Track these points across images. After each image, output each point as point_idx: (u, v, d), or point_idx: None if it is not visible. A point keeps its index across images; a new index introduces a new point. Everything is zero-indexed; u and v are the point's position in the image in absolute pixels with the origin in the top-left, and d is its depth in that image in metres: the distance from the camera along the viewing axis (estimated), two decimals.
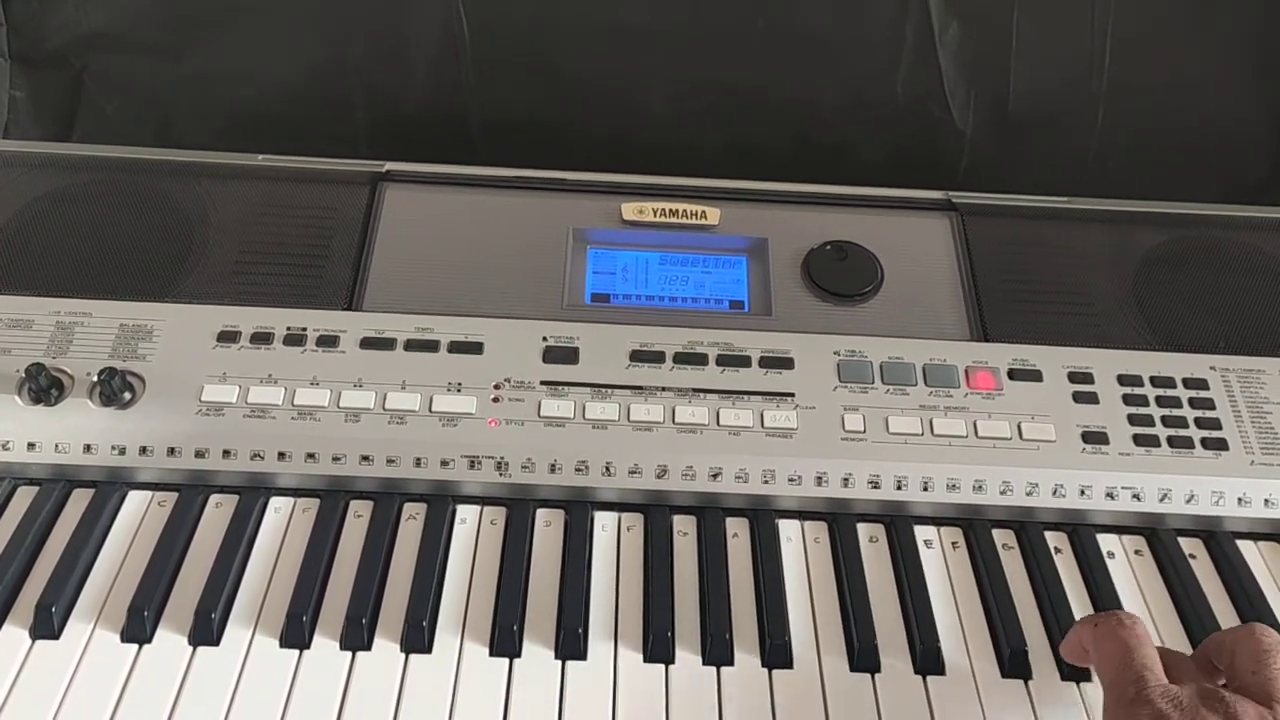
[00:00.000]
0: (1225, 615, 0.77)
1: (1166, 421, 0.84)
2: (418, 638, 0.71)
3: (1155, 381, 0.86)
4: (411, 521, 0.80)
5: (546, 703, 0.69)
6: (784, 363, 0.86)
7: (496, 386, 0.83)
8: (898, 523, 0.81)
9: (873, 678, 0.72)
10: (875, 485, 0.81)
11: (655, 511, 0.81)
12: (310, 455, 0.80)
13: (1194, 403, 0.85)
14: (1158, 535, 0.82)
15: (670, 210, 0.96)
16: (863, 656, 0.72)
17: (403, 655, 0.71)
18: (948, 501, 0.81)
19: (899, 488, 0.81)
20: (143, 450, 0.80)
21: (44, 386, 0.80)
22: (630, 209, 0.96)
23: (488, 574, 0.76)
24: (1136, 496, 0.81)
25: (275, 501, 0.80)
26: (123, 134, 1.12)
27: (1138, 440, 0.83)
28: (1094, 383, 0.86)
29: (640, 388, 0.84)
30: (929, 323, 0.90)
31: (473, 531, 0.79)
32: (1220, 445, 0.83)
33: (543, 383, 0.84)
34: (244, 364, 0.83)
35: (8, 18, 1.11)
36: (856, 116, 1.14)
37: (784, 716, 0.69)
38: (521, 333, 0.87)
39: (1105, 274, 0.94)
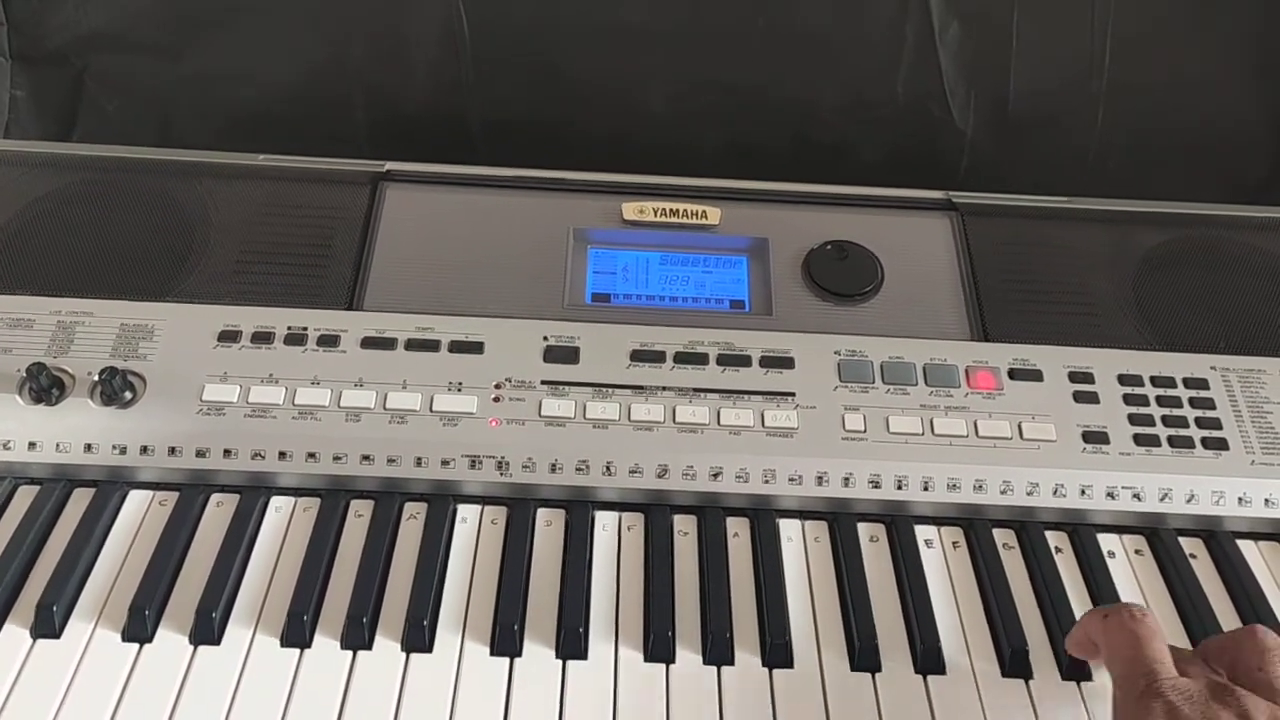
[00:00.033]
0: (1225, 615, 0.77)
1: (1167, 421, 0.84)
2: (418, 637, 0.71)
3: (1156, 381, 0.86)
4: (412, 521, 0.80)
5: (547, 702, 0.69)
6: (784, 362, 0.86)
7: (497, 386, 0.83)
8: (898, 522, 0.81)
9: (873, 677, 0.72)
10: (876, 485, 0.81)
11: (656, 511, 0.81)
12: (311, 455, 0.80)
13: (1194, 402, 0.85)
14: (1158, 535, 0.82)
15: (671, 210, 0.96)
16: (863, 656, 0.72)
17: (403, 654, 0.71)
18: (948, 501, 0.81)
19: (899, 487, 0.81)
20: (144, 450, 0.80)
21: (45, 386, 0.80)
22: (631, 209, 0.96)
23: (488, 573, 0.76)
24: (1137, 496, 0.81)
25: (276, 501, 0.80)
26: (123, 134, 1.12)
27: (1138, 440, 0.83)
28: (1094, 382, 0.86)
29: (641, 387, 0.84)
30: (929, 322, 0.91)
31: (473, 531, 0.79)
32: (1221, 445, 0.83)
33: (543, 382, 0.84)
34: (245, 363, 0.83)
35: (8, 17, 1.11)
36: (857, 116, 1.14)
37: (784, 716, 0.69)
38: (522, 332, 0.87)
39: (1106, 274, 0.94)
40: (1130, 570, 0.80)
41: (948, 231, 0.97)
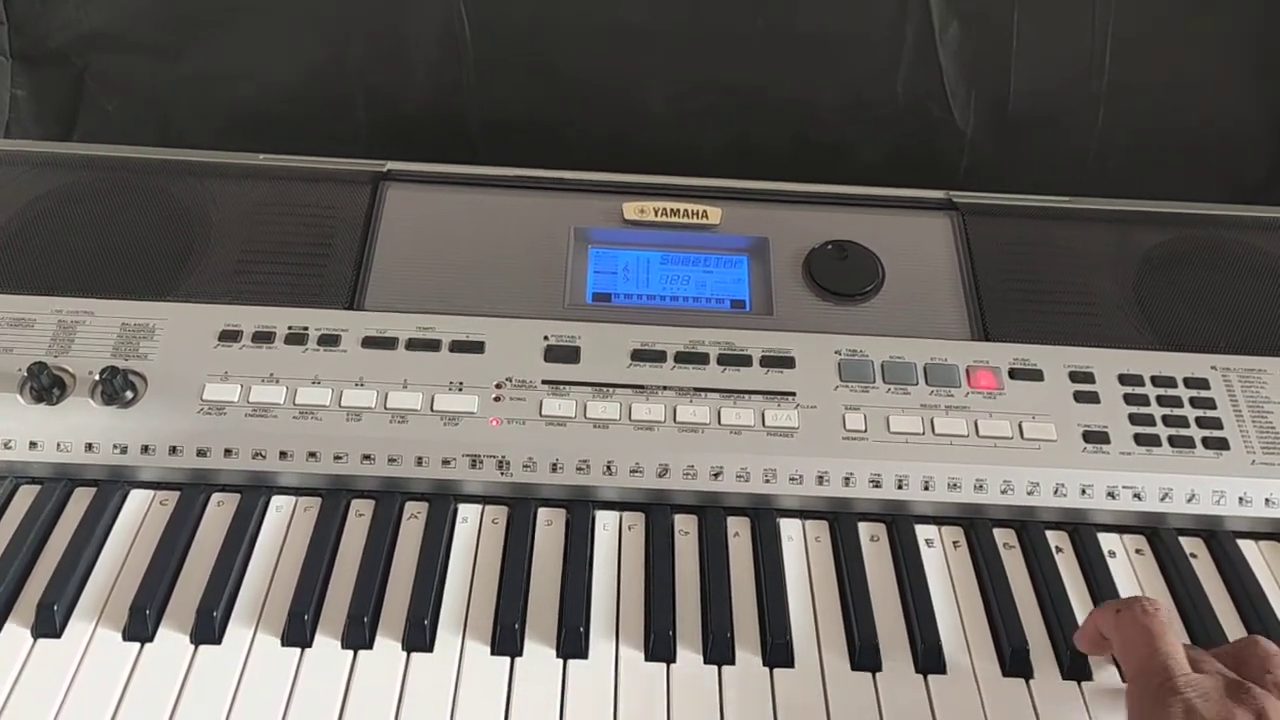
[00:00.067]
0: (1226, 615, 0.77)
1: (1167, 421, 0.84)
2: (419, 636, 0.71)
3: (1156, 381, 0.86)
4: (413, 520, 0.80)
5: (548, 701, 0.69)
6: (785, 362, 0.86)
7: (498, 386, 0.83)
8: (899, 522, 0.81)
9: (874, 676, 0.72)
10: (876, 484, 0.81)
11: (657, 510, 0.81)
12: (312, 454, 0.80)
13: (1195, 402, 0.85)
14: (1159, 534, 0.82)
15: (671, 210, 0.96)
16: (864, 655, 0.72)
17: (404, 654, 0.71)
18: (949, 501, 0.81)
19: (900, 487, 0.81)
20: (144, 449, 0.80)
21: (46, 385, 0.80)
22: (632, 208, 0.96)
23: (489, 573, 0.76)
24: (1137, 496, 0.81)
25: (277, 500, 0.80)
26: (124, 133, 1.12)
27: (1139, 440, 0.83)
28: (1095, 382, 0.86)
29: (641, 387, 0.84)
30: (930, 322, 0.91)
31: (474, 530, 0.80)
32: (1221, 445, 0.83)
33: (544, 382, 0.84)
34: (246, 363, 0.83)
35: (9, 17, 1.11)
36: (857, 116, 1.14)
37: (785, 715, 0.69)
38: (523, 332, 0.87)
39: (1106, 273, 0.94)
40: (1131, 570, 0.80)
41: (948, 231, 0.97)
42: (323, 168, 0.98)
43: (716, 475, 0.81)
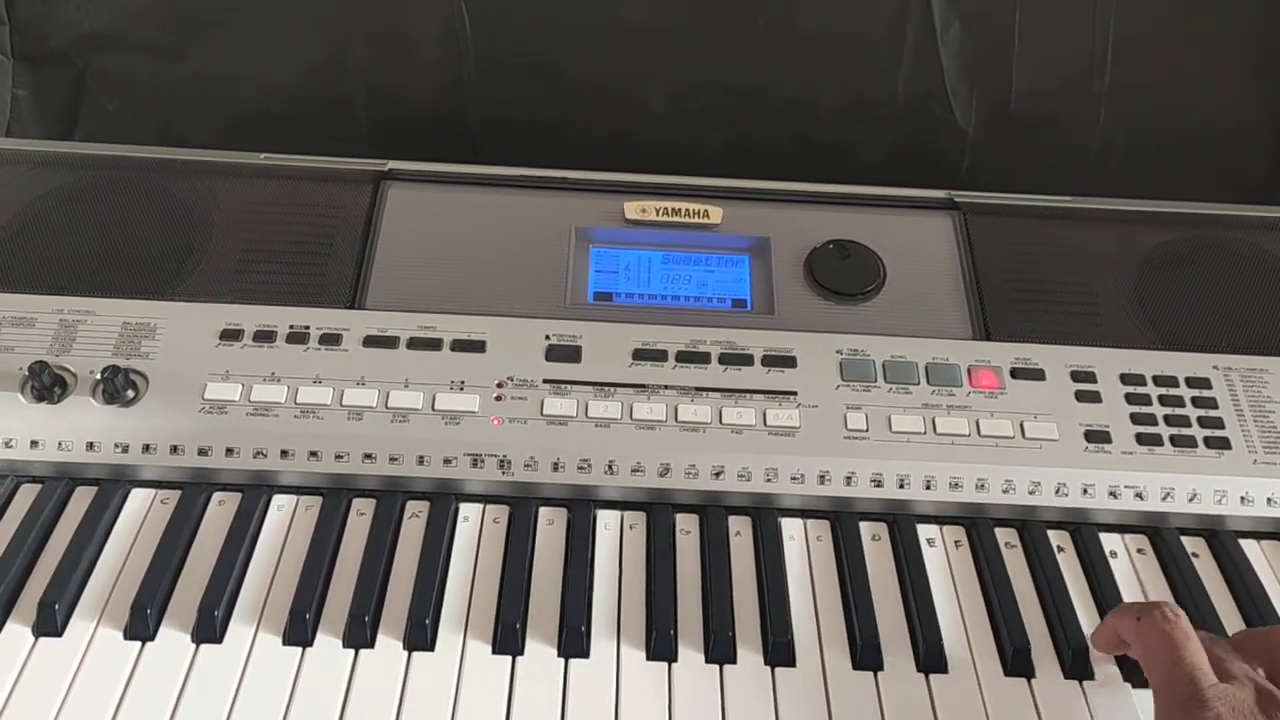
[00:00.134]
0: (1228, 614, 0.77)
1: (1169, 420, 0.84)
2: (420, 635, 0.71)
3: (1158, 380, 0.86)
4: (414, 519, 0.80)
5: (549, 701, 0.69)
6: (786, 361, 0.86)
7: (499, 385, 0.83)
8: (900, 521, 0.81)
9: (875, 676, 0.72)
10: (878, 484, 0.81)
11: (658, 510, 0.81)
12: (313, 453, 0.80)
13: (1197, 402, 0.85)
14: (1160, 534, 0.82)
15: (673, 209, 0.96)
16: (865, 654, 0.72)
17: (405, 653, 0.71)
18: (950, 500, 0.81)
19: (901, 486, 0.81)
20: (145, 448, 0.80)
21: (47, 384, 0.80)
22: (633, 208, 0.96)
23: (490, 572, 0.76)
24: (1139, 495, 0.81)
25: (278, 499, 0.80)
26: (125, 133, 1.12)
27: (1140, 439, 0.83)
28: (1096, 382, 0.86)
29: (643, 386, 0.84)
30: (931, 322, 0.90)
31: (475, 530, 0.79)
32: (1223, 444, 0.83)
33: (545, 381, 0.84)
34: (247, 362, 0.83)
35: (10, 17, 1.11)
36: (857, 116, 1.14)
37: (786, 714, 0.69)
38: (524, 331, 0.87)
39: (1108, 273, 0.94)
40: (1132, 569, 0.80)
41: (950, 231, 0.97)
42: (324, 167, 0.98)
43: (718, 474, 0.81)
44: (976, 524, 0.81)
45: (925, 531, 0.81)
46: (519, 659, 0.71)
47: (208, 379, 0.82)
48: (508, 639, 0.71)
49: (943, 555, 0.80)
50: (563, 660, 0.71)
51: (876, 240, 0.95)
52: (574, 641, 0.71)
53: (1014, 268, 0.94)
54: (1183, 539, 0.82)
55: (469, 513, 0.80)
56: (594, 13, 1.10)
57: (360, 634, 0.71)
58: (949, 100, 1.13)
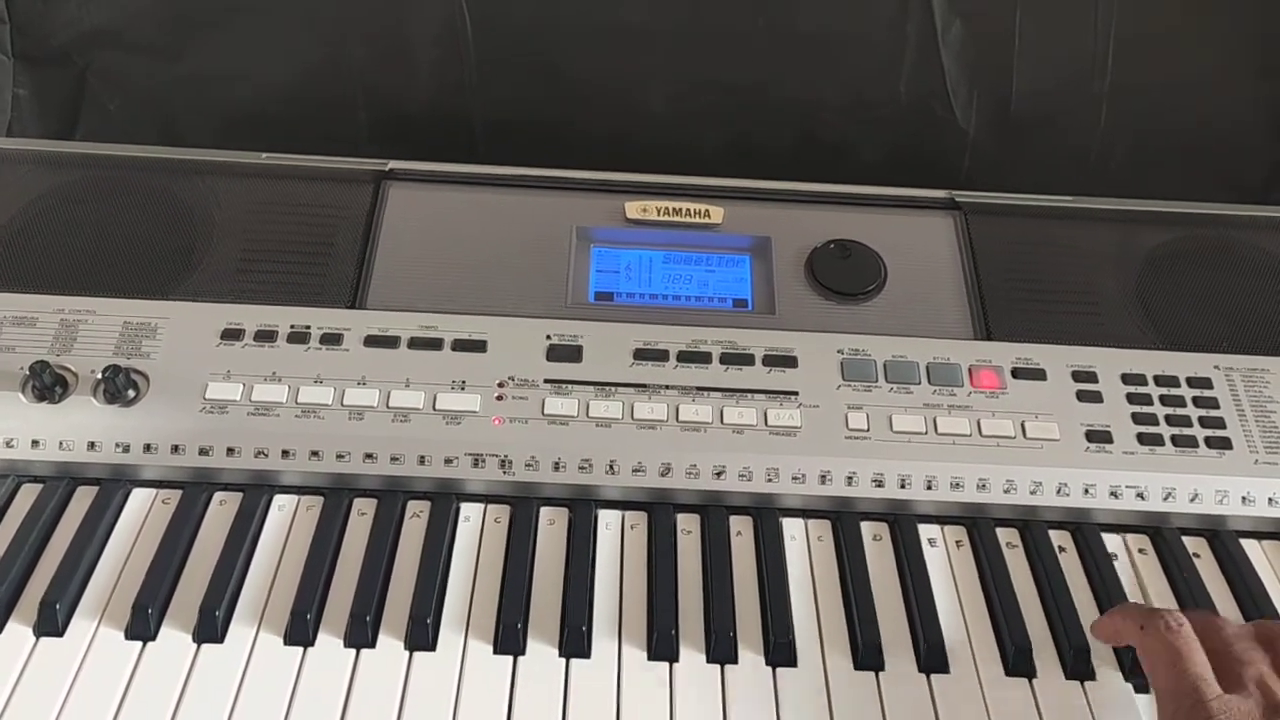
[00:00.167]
0: (1229, 614, 0.77)
1: (1170, 420, 0.84)
2: (422, 635, 0.71)
3: (1159, 380, 0.86)
4: (415, 519, 0.80)
5: (551, 700, 0.69)
6: (788, 361, 0.86)
7: (500, 385, 0.83)
8: (901, 521, 0.81)
9: (877, 676, 0.72)
10: (879, 484, 0.81)
11: (659, 510, 0.81)
12: (314, 453, 0.80)
13: (1198, 401, 0.85)
14: (1162, 534, 0.82)
15: (674, 209, 0.96)
16: (867, 655, 0.72)
17: (407, 653, 0.71)
18: (951, 500, 0.81)
19: (903, 486, 0.81)
20: (147, 448, 0.80)
21: (48, 384, 0.80)
22: (634, 208, 0.96)
23: (492, 572, 0.76)
24: (1140, 495, 0.81)
25: (279, 499, 0.80)
26: (126, 133, 1.11)
27: (1142, 439, 0.83)
28: (1098, 382, 0.86)
29: (644, 386, 0.84)
30: (932, 321, 0.90)
31: (476, 529, 0.79)
32: (1224, 444, 0.83)
33: (546, 381, 0.84)
34: (248, 362, 0.83)
35: (11, 17, 1.11)
36: (858, 116, 1.14)
37: (788, 714, 0.69)
38: (525, 331, 0.87)
39: (1109, 273, 0.94)
40: (1134, 569, 0.80)
41: (951, 230, 0.97)
42: (325, 167, 0.98)
43: (719, 474, 0.81)
44: (978, 524, 0.81)
45: (926, 531, 0.81)
46: (520, 659, 0.71)
47: (209, 379, 0.82)
48: (509, 639, 0.71)
49: (944, 555, 0.80)
50: (564, 660, 0.71)
51: (877, 240, 0.95)
52: (575, 641, 0.71)
53: (1015, 267, 0.94)
54: (1184, 539, 0.82)
55: (470, 513, 0.80)
56: (594, 13, 1.10)
57: (361, 634, 0.71)
58: (950, 100, 1.13)
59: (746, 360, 0.86)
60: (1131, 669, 0.72)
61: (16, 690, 0.67)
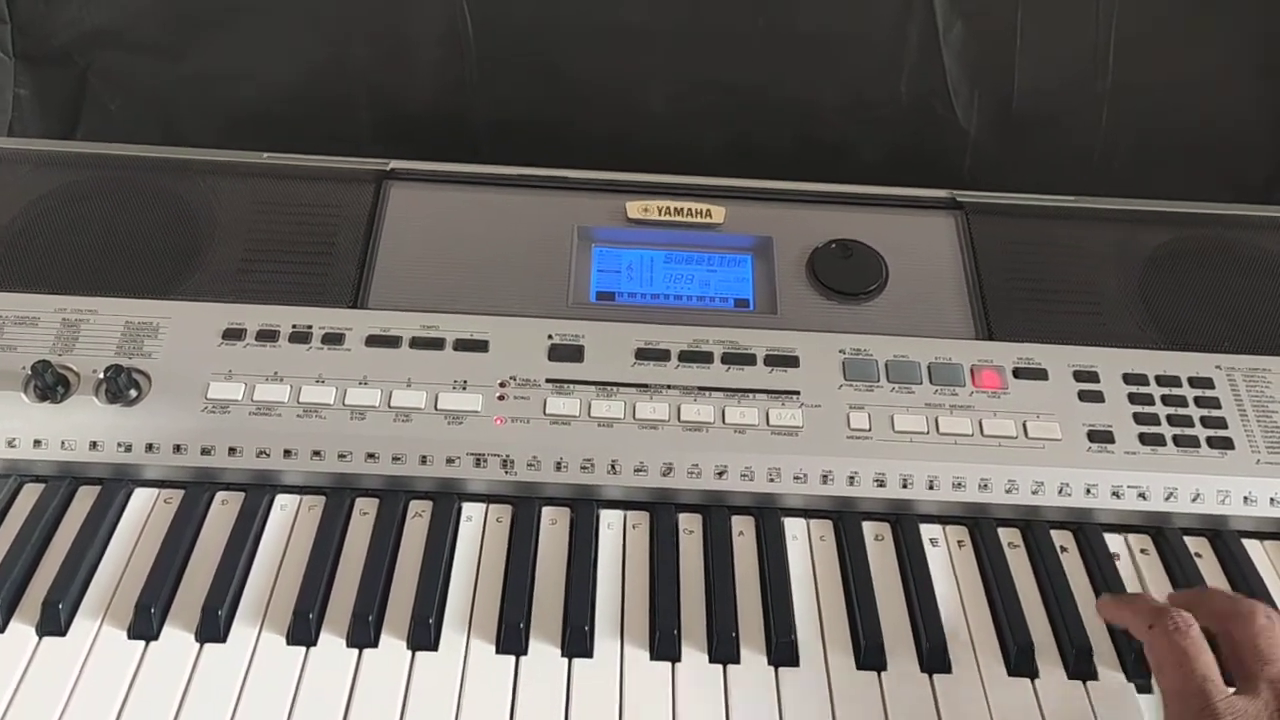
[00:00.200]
0: None
1: (1172, 420, 0.84)
2: (424, 635, 0.71)
3: (1161, 380, 0.86)
4: (417, 519, 0.80)
5: (553, 700, 0.69)
6: (789, 361, 0.86)
7: (502, 384, 0.83)
8: (903, 521, 0.81)
9: (879, 676, 0.72)
10: (881, 483, 0.81)
11: (661, 509, 0.81)
12: (316, 453, 0.80)
13: (1200, 401, 0.85)
14: (1163, 534, 0.82)
15: (675, 209, 0.96)
16: (869, 654, 0.72)
17: (409, 653, 0.71)
18: (953, 500, 0.81)
19: (904, 486, 0.81)
20: (149, 447, 0.80)
21: (50, 384, 0.80)
22: (635, 207, 0.96)
23: (494, 572, 0.76)
24: (1142, 495, 0.81)
25: (281, 499, 0.80)
26: (127, 132, 1.11)
27: (1143, 439, 0.83)
28: (1099, 381, 0.86)
29: (646, 386, 0.84)
30: (934, 321, 0.90)
31: (478, 529, 0.79)
32: (1226, 444, 0.83)
33: (548, 381, 0.84)
34: (250, 361, 0.83)
35: (12, 16, 1.11)
36: (859, 116, 1.14)
37: (790, 714, 0.69)
38: (527, 331, 0.87)
39: (1111, 273, 0.94)
40: (1135, 569, 0.80)
41: (952, 230, 0.97)
42: (326, 166, 0.98)
43: (721, 474, 0.81)
44: (979, 524, 0.81)
45: (928, 531, 0.81)
46: (522, 658, 0.71)
47: (210, 378, 0.82)
48: (511, 638, 0.71)
49: (946, 555, 0.80)
50: (566, 660, 0.71)
51: (879, 240, 0.95)
52: (578, 641, 0.71)
53: (1016, 267, 0.94)
54: (1186, 539, 0.82)
55: (472, 512, 0.80)
56: (595, 12, 1.10)
57: (364, 633, 0.71)
58: (951, 100, 1.13)
59: (748, 360, 0.86)
60: (1133, 669, 0.72)
61: (19, 690, 0.67)
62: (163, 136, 1.14)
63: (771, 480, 0.81)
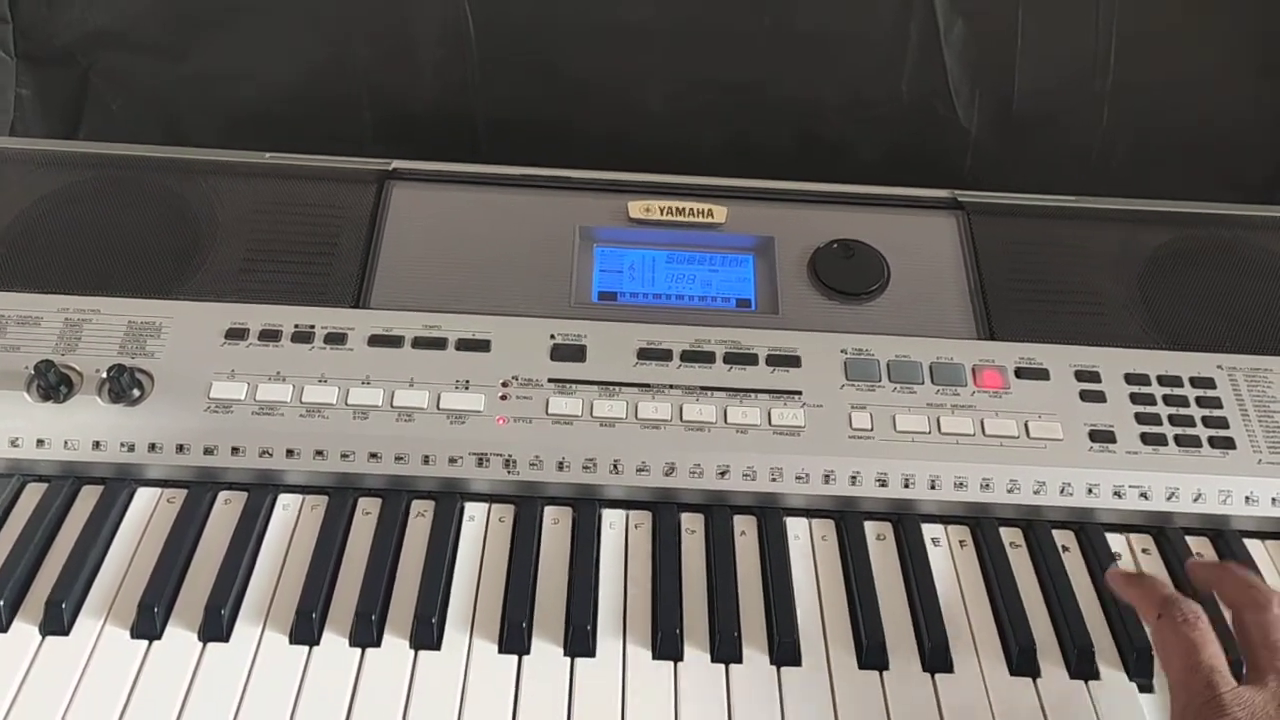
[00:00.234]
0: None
1: (1174, 420, 0.84)
2: (427, 634, 0.71)
3: (1162, 380, 0.86)
4: (420, 519, 0.80)
5: (555, 699, 0.69)
6: (791, 361, 0.86)
7: (504, 384, 0.83)
8: (905, 521, 0.81)
9: (881, 675, 0.72)
10: (883, 483, 0.81)
11: (663, 509, 0.81)
12: (318, 452, 0.80)
13: (1201, 401, 0.85)
14: (1165, 534, 0.82)
15: (677, 209, 0.96)
16: (871, 654, 0.72)
17: (412, 652, 0.71)
18: (955, 500, 0.81)
19: (906, 486, 0.81)
20: (151, 447, 0.80)
21: (53, 383, 0.80)
22: (637, 207, 0.96)
23: (496, 571, 0.76)
24: (1144, 495, 0.81)
25: (284, 499, 0.81)
26: (129, 132, 1.11)
27: (1145, 439, 0.83)
28: (1101, 381, 0.86)
29: (648, 385, 0.84)
30: (936, 321, 0.91)
31: (481, 529, 0.80)
32: (1227, 444, 0.83)
33: (550, 380, 0.84)
34: (252, 361, 0.83)
35: (14, 17, 1.11)
36: (859, 115, 1.14)
37: (792, 714, 0.69)
38: (529, 330, 0.87)
39: (1112, 273, 0.94)
40: (1137, 569, 0.80)
41: (954, 230, 0.97)
42: (328, 166, 0.98)
43: (723, 474, 0.81)
44: (981, 524, 0.81)
45: (930, 531, 0.81)
46: (525, 658, 0.71)
47: (213, 378, 0.82)
48: (514, 638, 0.71)
49: (948, 555, 0.80)
50: (569, 659, 0.71)
51: (881, 240, 0.95)
52: (580, 640, 0.72)
53: (1018, 267, 0.94)
54: (1187, 539, 0.82)
55: (474, 512, 0.81)
56: (595, 12, 1.10)
57: (367, 633, 0.71)
58: (952, 99, 1.13)
59: (750, 360, 0.86)
60: (1135, 669, 0.72)
61: (23, 689, 0.68)
62: (165, 137, 1.14)
63: (773, 480, 0.81)
